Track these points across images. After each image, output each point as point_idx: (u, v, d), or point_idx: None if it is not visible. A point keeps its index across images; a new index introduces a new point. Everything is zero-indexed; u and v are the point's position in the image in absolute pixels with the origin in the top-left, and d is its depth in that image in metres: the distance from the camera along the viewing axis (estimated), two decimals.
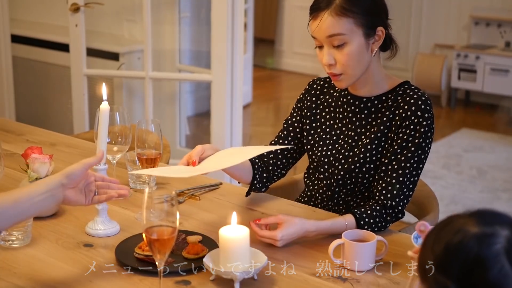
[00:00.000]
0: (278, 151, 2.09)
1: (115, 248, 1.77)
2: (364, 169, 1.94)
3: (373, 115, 1.94)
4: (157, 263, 1.52)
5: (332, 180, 1.99)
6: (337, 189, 2.00)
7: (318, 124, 2.05)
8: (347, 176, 1.96)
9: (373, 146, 1.92)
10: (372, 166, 1.93)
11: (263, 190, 2.09)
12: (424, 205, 2.27)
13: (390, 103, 1.92)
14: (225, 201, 2.12)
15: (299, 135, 2.10)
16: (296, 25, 7.37)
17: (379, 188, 1.89)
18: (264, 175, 2.08)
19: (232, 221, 1.61)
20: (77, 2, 3.86)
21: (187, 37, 4.94)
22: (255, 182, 2.05)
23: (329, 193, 2.02)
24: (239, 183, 2.17)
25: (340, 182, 1.98)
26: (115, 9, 4.51)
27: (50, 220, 1.95)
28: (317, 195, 2.07)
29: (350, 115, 1.98)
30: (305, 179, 2.13)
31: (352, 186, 1.98)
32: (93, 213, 1.90)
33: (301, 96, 2.11)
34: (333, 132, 2.02)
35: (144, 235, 1.49)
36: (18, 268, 1.69)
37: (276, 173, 2.10)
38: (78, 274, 1.67)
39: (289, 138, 2.09)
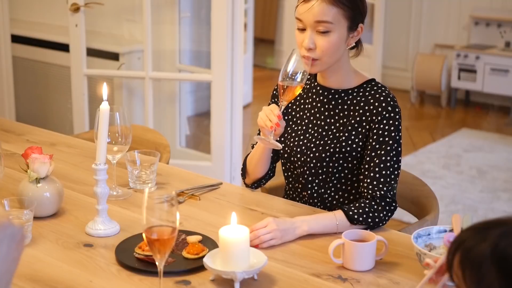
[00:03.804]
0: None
1: (115, 248, 1.77)
2: (334, 158, 2.01)
3: (339, 107, 2.03)
4: (157, 263, 1.52)
5: (305, 168, 2.05)
6: (310, 178, 2.06)
7: (289, 117, 2.13)
8: (318, 164, 2.03)
9: (343, 138, 2.00)
10: (341, 156, 2.00)
11: (257, 188, 2.20)
12: (424, 205, 2.27)
13: (358, 99, 2.01)
14: (225, 201, 2.12)
15: None
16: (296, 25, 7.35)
17: (365, 185, 1.95)
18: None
19: (232, 221, 1.62)
20: (77, 2, 3.86)
21: (187, 37, 4.93)
22: (264, 181, 2.17)
23: (303, 181, 2.07)
24: (241, 176, 2.21)
25: (313, 170, 2.04)
26: (115, 9, 4.50)
27: (50, 220, 1.95)
28: (297, 184, 2.12)
29: (319, 105, 2.07)
30: (284, 173, 2.18)
31: (324, 176, 2.04)
32: (93, 213, 1.90)
33: (274, 91, 2.17)
34: (303, 122, 2.09)
35: (144, 235, 1.49)
36: (18, 268, 1.68)
37: (265, 174, 2.17)
38: (78, 274, 1.67)
39: None
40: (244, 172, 2.18)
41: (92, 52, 4.21)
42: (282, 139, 2.11)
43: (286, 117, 2.13)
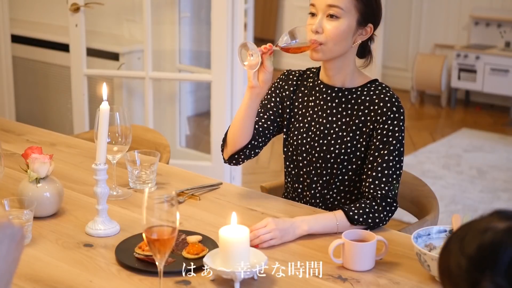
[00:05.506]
0: (255, 131, 2.08)
1: (115, 248, 1.77)
2: (339, 160, 2.01)
3: (343, 105, 2.04)
4: (157, 263, 1.52)
5: (311, 168, 2.06)
6: (314, 179, 2.06)
7: (292, 113, 2.12)
8: (323, 165, 2.03)
9: (348, 138, 2.01)
10: (345, 157, 2.01)
11: (235, 165, 2.13)
12: (424, 205, 2.27)
13: (363, 98, 2.02)
14: (225, 201, 2.12)
15: (272, 117, 2.12)
16: (296, 25, 7.35)
17: (367, 184, 1.95)
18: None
19: (232, 221, 1.62)
20: (77, 2, 3.86)
21: (187, 37, 4.93)
22: (243, 156, 2.06)
23: (308, 181, 2.07)
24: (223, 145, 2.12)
25: (318, 171, 2.04)
26: (115, 9, 4.50)
27: (50, 220, 1.95)
28: (296, 185, 2.12)
29: (322, 102, 2.07)
30: (285, 172, 2.17)
31: (327, 177, 2.04)
32: (93, 213, 1.90)
33: (277, 84, 2.15)
34: (305, 120, 2.09)
35: (144, 235, 1.49)
36: (18, 268, 1.68)
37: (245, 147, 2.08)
38: (78, 274, 1.67)
39: (265, 116, 2.11)
40: (224, 143, 2.09)
41: (92, 52, 4.21)
42: (285, 136, 2.11)
43: (290, 114, 2.11)
